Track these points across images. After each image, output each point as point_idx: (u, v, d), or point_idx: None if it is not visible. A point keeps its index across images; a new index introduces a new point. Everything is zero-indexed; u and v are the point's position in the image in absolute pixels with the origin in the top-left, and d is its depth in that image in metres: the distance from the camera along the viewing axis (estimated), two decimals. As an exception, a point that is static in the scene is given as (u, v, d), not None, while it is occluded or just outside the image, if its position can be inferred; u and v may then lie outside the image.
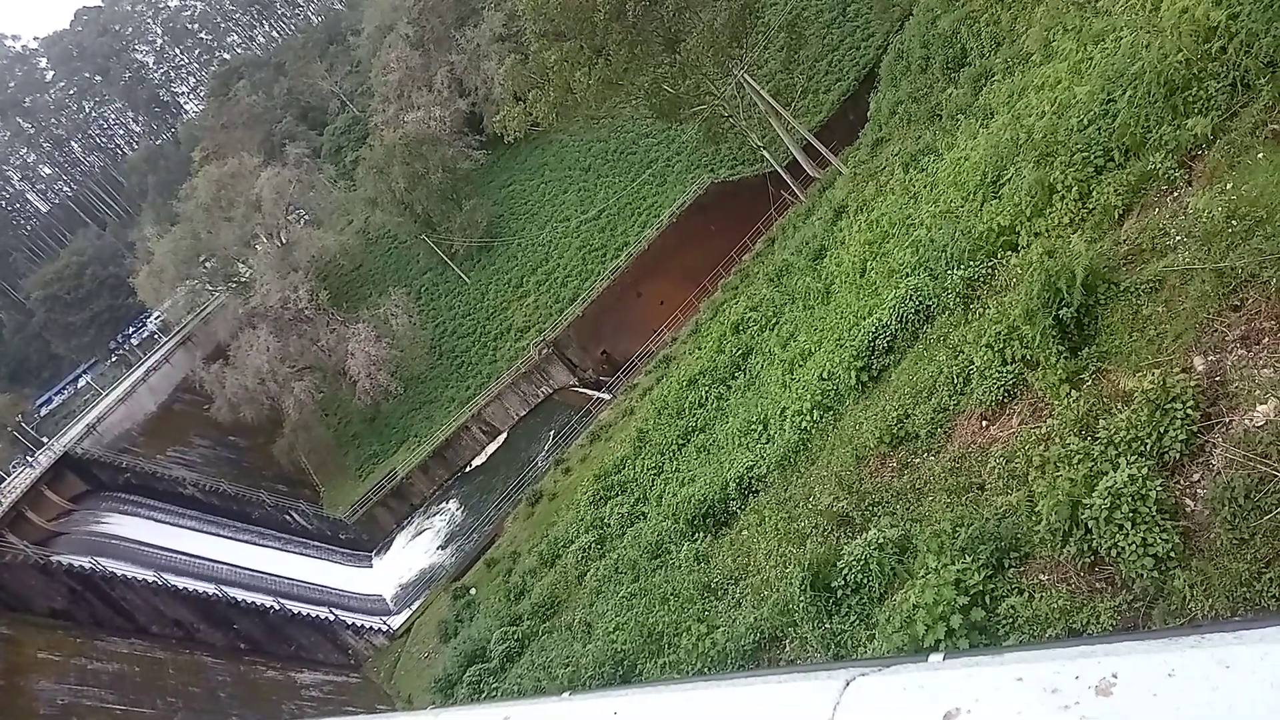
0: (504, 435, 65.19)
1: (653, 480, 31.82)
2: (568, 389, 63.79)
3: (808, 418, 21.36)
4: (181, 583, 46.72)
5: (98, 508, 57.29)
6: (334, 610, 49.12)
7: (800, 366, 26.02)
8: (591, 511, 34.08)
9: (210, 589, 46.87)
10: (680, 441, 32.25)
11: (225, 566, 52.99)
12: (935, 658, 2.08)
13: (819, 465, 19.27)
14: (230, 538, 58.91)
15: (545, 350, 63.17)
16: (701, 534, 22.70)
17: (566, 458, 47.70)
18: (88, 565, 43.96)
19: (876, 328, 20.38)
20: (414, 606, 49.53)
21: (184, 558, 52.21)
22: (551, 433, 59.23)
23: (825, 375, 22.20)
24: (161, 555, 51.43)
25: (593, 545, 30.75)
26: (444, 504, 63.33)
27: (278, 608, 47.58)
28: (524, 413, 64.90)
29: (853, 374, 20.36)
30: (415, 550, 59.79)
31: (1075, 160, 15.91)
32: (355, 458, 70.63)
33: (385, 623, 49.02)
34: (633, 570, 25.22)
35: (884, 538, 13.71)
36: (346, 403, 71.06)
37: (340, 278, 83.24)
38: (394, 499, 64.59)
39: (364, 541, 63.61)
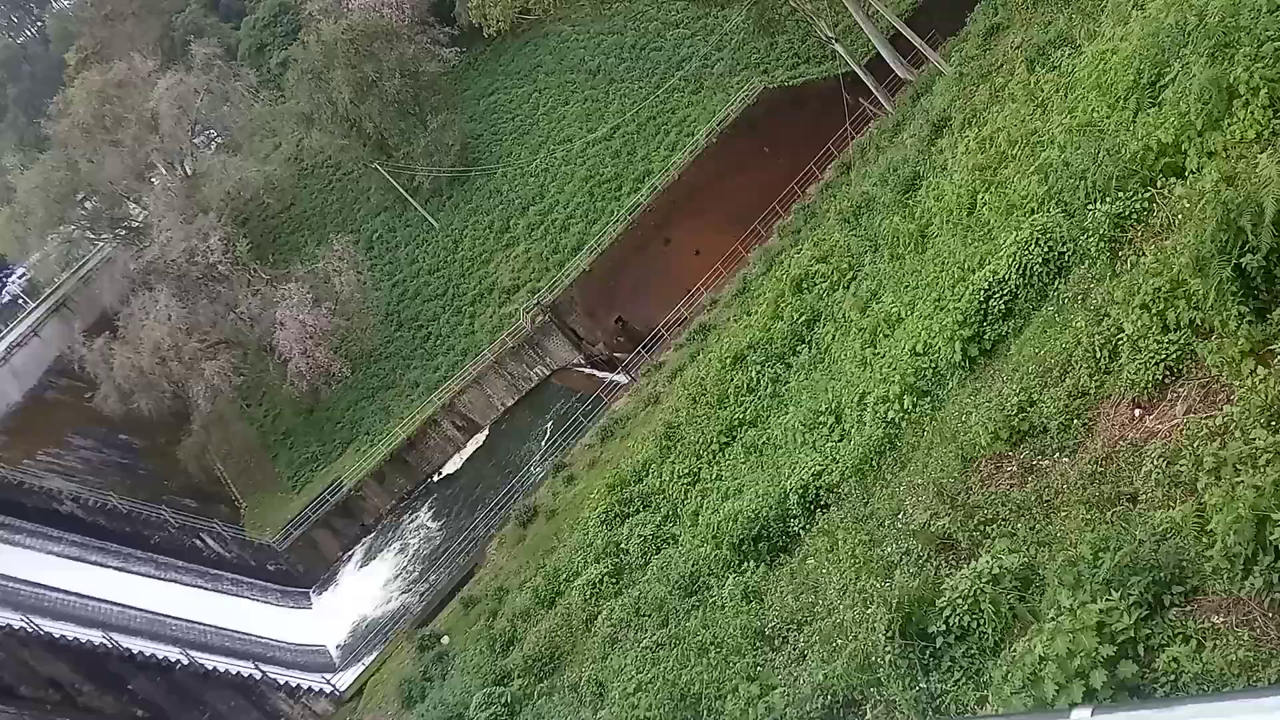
0: (485, 432, 65.66)
1: (686, 492, 31.97)
2: (571, 370, 64.08)
3: (896, 406, 21.36)
4: (58, 629, 47.56)
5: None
6: (261, 666, 49.83)
7: (886, 337, 26.00)
8: (604, 534, 34.29)
9: (96, 637, 47.66)
10: (723, 440, 32.38)
11: (116, 608, 53.81)
12: (1081, 714, 2.07)
13: (911, 470, 19.28)
14: (122, 569, 59.79)
15: (541, 318, 63.46)
16: (752, 563, 22.83)
17: (569, 462, 47.99)
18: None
19: (990, 284, 20.29)
20: (367, 661, 50.18)
21: (61, 596, 53.05)
22: (549, 428, 59.55)
23: (920, 349, 22.16)
24: (30, 593, 52.29)
25: (606, 578, 30.96)
26: (406, 524, 64.03)
27: (186, 662, 48.33)
28: (512, 402, 65.41)
29: (958, 346, 20.31)
30: (369, 586, 60.53)
31: (1265, 53, 15.69)
32: (288, 463, 71.43)
33: (330, 682, 49.70)
34: (660, 612, 25.42)
35: (1000, 567, 13.71)
36: (275, 390, 71.81)
37: (265, 222, 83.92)
38: (339, 518, 65.37)
39: (300, 574, 64.47)
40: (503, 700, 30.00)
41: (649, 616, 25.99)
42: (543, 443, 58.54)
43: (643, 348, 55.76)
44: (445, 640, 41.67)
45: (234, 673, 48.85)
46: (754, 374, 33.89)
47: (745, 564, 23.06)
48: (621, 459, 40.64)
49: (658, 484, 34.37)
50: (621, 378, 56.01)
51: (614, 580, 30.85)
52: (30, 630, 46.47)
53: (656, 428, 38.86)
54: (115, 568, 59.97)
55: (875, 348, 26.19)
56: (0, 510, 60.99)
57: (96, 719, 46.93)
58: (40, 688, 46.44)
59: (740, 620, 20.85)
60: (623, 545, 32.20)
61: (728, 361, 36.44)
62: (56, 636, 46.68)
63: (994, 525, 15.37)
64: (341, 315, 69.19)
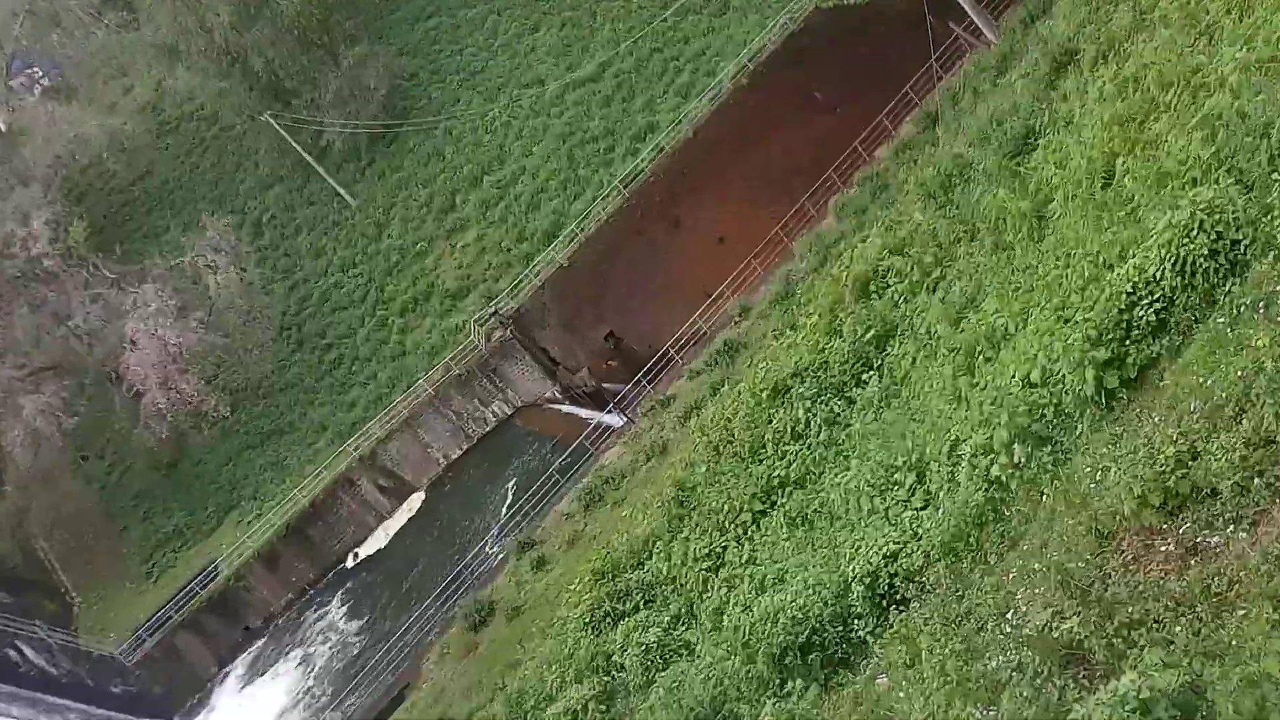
0: (421, 496, 65.57)
1: (705, 581, 31.84)
2: (542, 408, 64.04)
3: (1003, 459, 21.29)
4: None
5: None
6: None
7: (988, 361, 25.95)
8: (589, 641, 34.14)
9: None
10: (757, 507, 32.27)
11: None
12: None
13: (1025, 551, 19.22)
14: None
15: (500, 335, 63.52)
16: (799, 683, 22.72)
17: (540, 539, 47.92)
18: None
19: (1135, 286, 20.26)
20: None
21: None
22: (511, 490, 59.44)
23: (1037, 378, 22.11)
24: None
25: (592, 705, 30.75)
26: (309, 627, 63.89)
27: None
28: (459, 453, 65.45)
29: (1089, 375, 20.27)
30: (254, 715, 60.20)
31: None
32: (141, 540, 71.37)
33: None
34: (669, 753, 25.32)
35: (1151, 689, 13.64)
36: (124, 436, 71.78)
37: (111, 197, 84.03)
38: (214, 617, 65.27)
39: (156, 698, 64.24)
40: None
41: (653, 760, 25.93)
42: (503, 510, 58.48)
43: (643, 376, 55.76)
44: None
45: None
46: (801, 413, 33.80)
47: (790, 684, 22.93)
48: (614, 534, 40.45)
49: (665, 570, 34.19)
50: (614, 418, 55.91)
51: (603, 708, 30.58)
52: None
53: (663, 489, 38.73)
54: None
55: (973, 376, 26.12)
56: None
57: None
58: None
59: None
60: (616, 657, 31.97)
61: (764, 395, 36.36)
62: None
63: (1142, 629, 15.30)
64: (217, 330, 69.35)
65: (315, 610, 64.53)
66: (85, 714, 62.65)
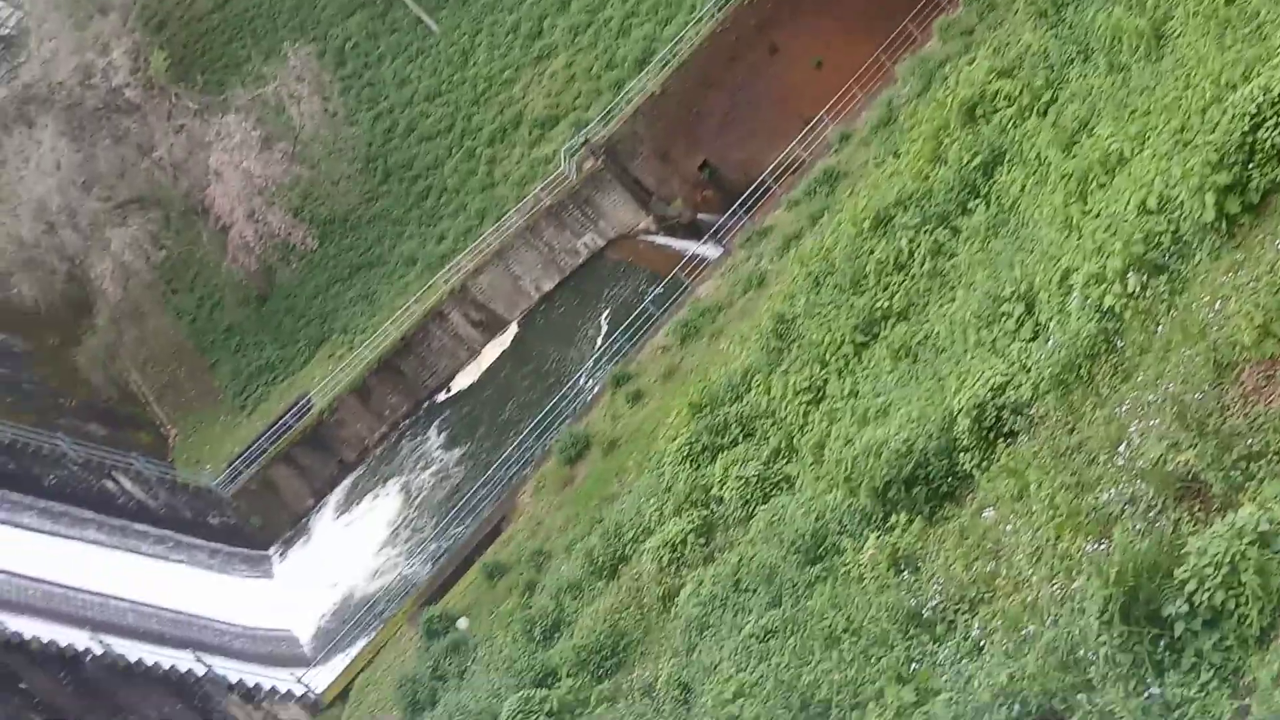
0: (513, 330, 66.13)
1: (805, 414, 31.95)
2: (635, 240, 64.13)
3: (1117, 288, 21.09)
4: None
5: None
6: (204, 657, 51.29)
7: (1102, 187, 25.56)
8: (687, 474, 34.54)
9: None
10: (859, 339, 32.19)
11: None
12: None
13: (1139, 382, 19.13)
14: (3, 523, 61.69)
15: (591, 165, 63.27)
16: (903, 516, 22.89)
17: (635, 372, 48.37)
18: None
19: (1260, 107, 19.81)
20: (353, 652, 51.45)
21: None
22: (605, 324, 59.73)
23: (1153, 204, 21.80)
24: None
25: (691, 538, 31.24)
26: (404, 460, 65.30)
27: (99, 651, 49.93)
28: (551, 286, 65.87)
29: (1210, 200, 19.93)
30: (352, 546, 62.16)
31: None
32: (232, 373, 72.78)
33: (301, 681, 51.10)
34: (769, 586, 25.69)
35: (1272, 522, 13.66)
36: (213, 269, 72.82)
37: (191, 26, 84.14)
38: (309, 450, 66.76)
39: (255, 530, 66.33)
40: (546, 708, 30.52)
41: (754, 592, 26.26)
42: (597, 344, 58.82)
43: (739, 206, 55.53)
44: (463, 624, 42.60)
45: (166, 667, 50.49)
46: (905, 243, 33.52)
47: (893, 517, 23.09)
48: (711, 367, 40.74)
49: (764, 403, 34.38)
50: (709, 250, 55.89)
51: (702, 541, 31.13)
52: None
53: (761, 322, 38.80)
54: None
55: (1085, 203, 25.76)
56: None
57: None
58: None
59: (886, 598, 20.98)
60: (714, 491, 32.38)
61: (866, 225, 36.12)
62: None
63: (1261, 462, 15.25)
64: (303, 162, 69.61)
65: (411, 442, 65.71)
66: (183, 544, 64.31)
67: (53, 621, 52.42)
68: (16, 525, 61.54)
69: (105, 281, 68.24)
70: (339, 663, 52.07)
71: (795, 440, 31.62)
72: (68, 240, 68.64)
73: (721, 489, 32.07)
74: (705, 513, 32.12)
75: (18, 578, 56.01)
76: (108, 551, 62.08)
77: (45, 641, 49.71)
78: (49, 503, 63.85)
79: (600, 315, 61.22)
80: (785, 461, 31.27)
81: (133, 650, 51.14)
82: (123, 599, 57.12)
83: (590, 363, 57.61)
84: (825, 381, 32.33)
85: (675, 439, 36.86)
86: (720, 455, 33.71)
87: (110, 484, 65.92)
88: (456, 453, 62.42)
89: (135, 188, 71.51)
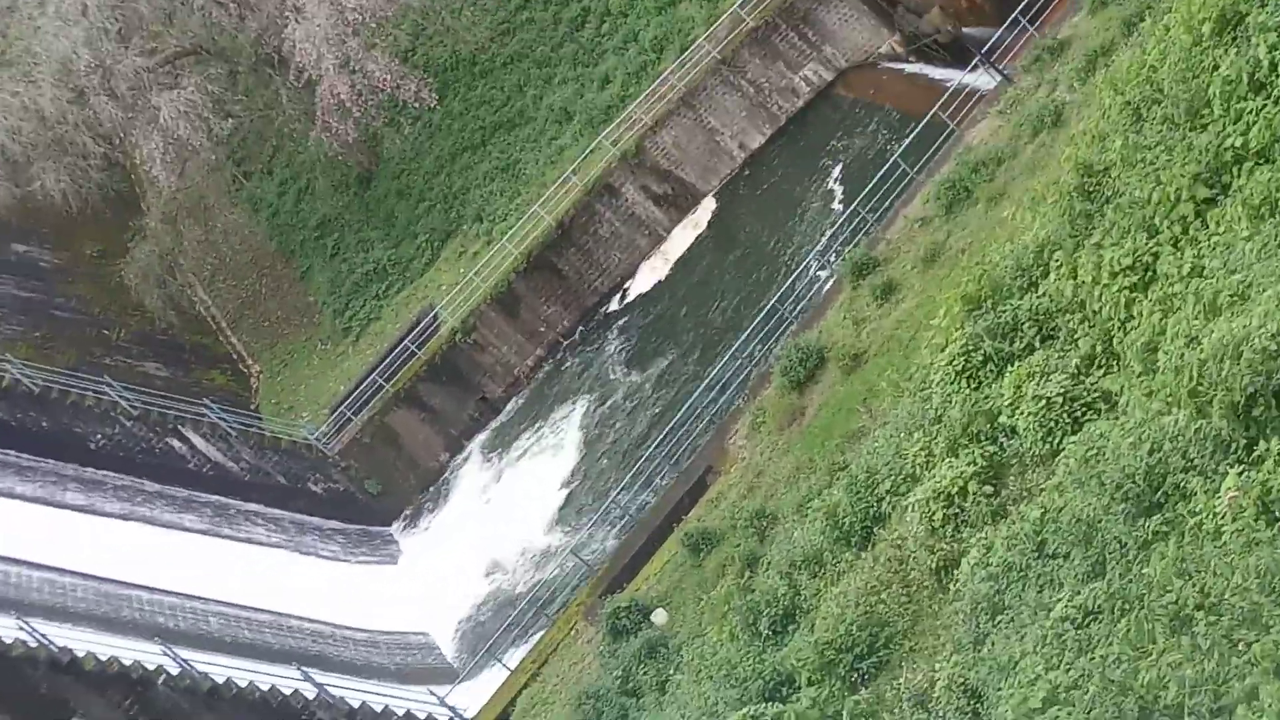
0: (709, 205, 65.92)
1: (1128, 304, 31.34)
2: (874, 69, 63.67)
3: None
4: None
5: None
6: (312, 674, 52.03)
7: None
8: (962, 396, 34.15)
9: (8, 625, 50.43)
10: (1202, 192, 31.49)
11: (31, 572, 57.27)
12: None
13: None
14: (37, 500, 63.18)
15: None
16: (1275, 443, 22.43)
17: (883, 257, 47.91)
18: None
19: None
20: (513, 660, 51.82)
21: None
22: (839, 190, 59.33)
23: None
24: None
25: (972, 485, 30.93)
26: (568, 393, 65.73)
27: (174, 670, 50.84)
28: (759, 141, 65.67)
29: None
30: (503, 514, 62.83)
31: None
32: (331, 284, 73.68)
33: (444, 702, 51.60)
34: (1087, 546, 25.40)
35: None
36: (296, 143, 73.56)
37: None
38: (439, 385, 67.72)
39: (370, 499, 67.52)
40: (778, 731, 30.70)
41: (1065, 559, 25.96)
42: (828, 219, 58.46)
43: (1021, 14, 54.62)
44: (659, 618, 42.63)
45: (264, 688, 51.13)
46: (1264, 53, 32.71)
47: (1260, 445, 22.67)
48: (990, 245, 40.14)
49: (1068, 291, 33.77)
50: (981, 78, 55.09)
51: (989, 489, 30.75)
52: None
53: (1060, 177, 38.12)
54: (23, 497, 63.32)
55: None
56: None
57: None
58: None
59: (1255, 559, 20.70)
60: (1003, 419, 31.96)
61: (1206, 30, 35.29)
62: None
63: None
64: (410, -13, 69.91)
65: (578, 369, 66.12)
66: (278, 522, 65.57)
67: (112, 633, 53.49)
68: (57, 505, 63.21)
69: (155, 165, 68.92)
70: (493, 676, 52.07)
71: (1115, 342, 31.08)
72: (103, 112, 69.31)
73: (1013, 415, 31.63)
74: (991, 450, 31.71)
75: (64, 575, 57.65)
76: (178, 536, 63.59)
77: (104, 659, 50.28)
78: (97, 472, 65.46)
79: (830, 179, 60.88)
80: (1102, 372, 30.79)
81: (219, 668, 51.71)
82: (202, 599, 58.50)
83: (820, 246, 57.19)
84: (1155, 256, 31.68)
85: (944, 348, 36.33)
86: (1009, 368, 33.19)
87: (176, 443, 67.22)
88: (640, 381, 62.52)
89: (188, 35, 72.05)
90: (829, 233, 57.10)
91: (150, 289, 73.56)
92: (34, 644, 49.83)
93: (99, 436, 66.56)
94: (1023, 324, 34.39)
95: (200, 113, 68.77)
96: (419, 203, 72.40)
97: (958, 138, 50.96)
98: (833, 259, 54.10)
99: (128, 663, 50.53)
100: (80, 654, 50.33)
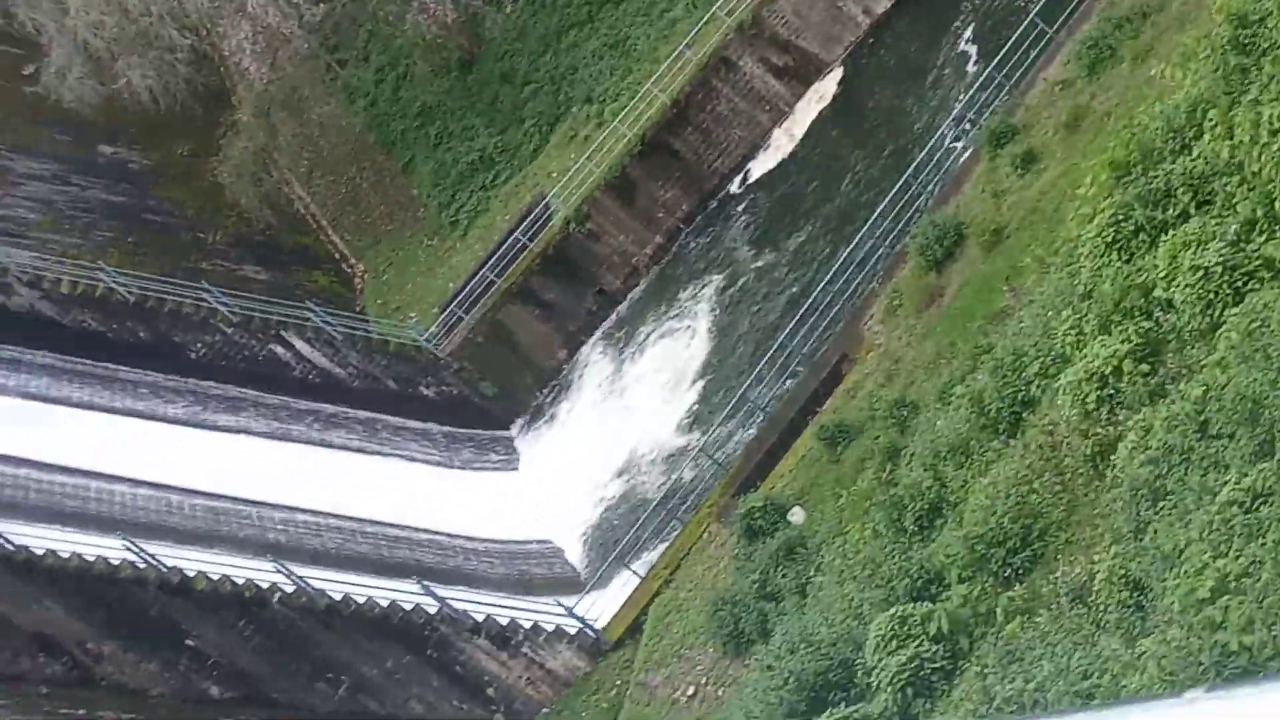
0: (835, 75, 65.55)
1: (1291, 165, 31.07)
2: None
3: None
4: (38, 538, 51.46)
5: None
6: (433, 588, 52.38)
7: None
8: (1114, 269, 33.82)
9: (115, 549, 51.21)
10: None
11: (141, 491, 58.22)
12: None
13: None
14: (140, 414, 64.38)
15: None
16: None
17: (1022, 123, 47.56)
18: None
19: None
20: (642, 568, 51.99)
21: (31, 476, 57.71)
22: (972, 51, 58.85)
23: None
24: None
25: (1127, 364, 30.72)
26: (690, 281, 65.56)
27: (288, 588, 51.32)
28: (886, 4, 64.83)
29: None
30: (627, 412, 63.32)
31: None
32: (435, 175, 73.76)
33: (572, 612, 51.78)
34: (1253, 425, 25.08)
35: None
36: (393, 26, 73.56)
37: None
38: (554, 279, 67.98)
39: (487, 401, 68.20)
40: (932, 630, 30.60)
41: (1230, 439, 25.77)
42: (961, 84, 58.00)
43: None
44: (797, 516, 42.70)
45: (383, 604, 51.66)
46: None
47: None
48: (1138, 106, 39.75)
49: (1224, 152, 33.38)
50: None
51: (1146, 368, 30.50)
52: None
53: (1212, 29, 37.65)
54: (122, 411, 64.59)
55: None
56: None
57: (130, 702, 50.89)
58: (15, 654, 50.85)
59: None
60: (1158, 291, 31.67)
61: None
62: (39, 554, 50.52)
63: None
64: None
65: (700, 255, 65.99)
66: (389, 428, 66.04)
67: (221, 550, 54.34)
68: (158, 418, 64.25)
69: (244, 57, 69.41)
70: (624, 585, 52.34)
71: (1277, 205, 30.75)
72: (188, 2, 69.61)
73: (1169, 287, 31.29)
74: (1147, 325, 31.43)
75: (169, 492, 58.50)
76: (285, 446, 64.47)
77: (215, 579, 51.01)
78: (198, 382, 66.45)
79: (961, 40, 60.33)
80: (1264, 238, 30.37)
81: (335, 584, 52.26)
82: (313, 512, 59.25)
83: (953, 114, 56.73)
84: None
85: (1092, 219, 35.99)
86: (1163, 237, 32.86)
87: (280, 349, 68.02)
88: (768, 264, 62.19)
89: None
90: (963, 100, 56.59)
91: (245, 188, 74.08)
92: (142, 565, 50.63)
93: (199, 345, 67.48)
94: (1176, 189, 34.03)
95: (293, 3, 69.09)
96: (524, 85, 72.23)
97: (1093, -8, 50.35)
98: (968, 128, 53.68)
99: (240, 582, 51.17)
100: (190, 574, 51.03)
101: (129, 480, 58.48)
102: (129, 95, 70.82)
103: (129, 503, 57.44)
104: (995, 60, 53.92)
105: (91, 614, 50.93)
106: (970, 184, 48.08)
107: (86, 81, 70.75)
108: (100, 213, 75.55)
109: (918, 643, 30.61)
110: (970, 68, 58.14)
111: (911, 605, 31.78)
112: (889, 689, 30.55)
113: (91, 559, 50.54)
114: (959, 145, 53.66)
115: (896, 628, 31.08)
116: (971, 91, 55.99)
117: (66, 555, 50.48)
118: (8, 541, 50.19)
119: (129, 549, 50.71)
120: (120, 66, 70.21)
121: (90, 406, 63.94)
